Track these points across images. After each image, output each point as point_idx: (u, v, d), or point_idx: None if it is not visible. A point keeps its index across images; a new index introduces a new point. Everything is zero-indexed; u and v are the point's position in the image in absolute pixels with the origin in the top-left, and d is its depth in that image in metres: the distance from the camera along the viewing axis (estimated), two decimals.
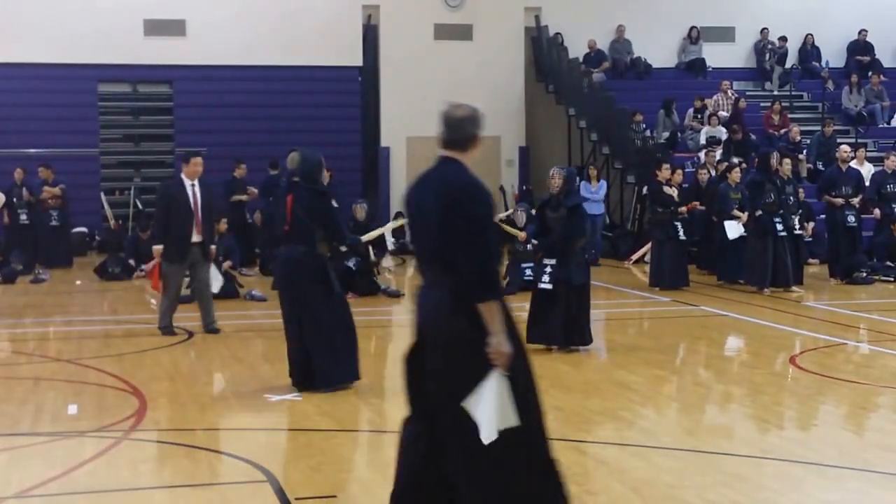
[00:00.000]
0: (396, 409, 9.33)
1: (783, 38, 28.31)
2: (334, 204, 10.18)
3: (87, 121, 25.60)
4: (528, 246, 13.85)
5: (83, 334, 13.39)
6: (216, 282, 13.32)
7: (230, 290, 16.56)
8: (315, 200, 9.77)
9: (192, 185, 12.93)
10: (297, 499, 6.66)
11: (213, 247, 13.26)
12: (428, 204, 5.42)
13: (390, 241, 24.45)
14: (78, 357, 11.79)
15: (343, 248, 10.43)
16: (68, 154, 24.57)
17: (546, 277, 11.63)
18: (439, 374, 5.30)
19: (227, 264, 16.96)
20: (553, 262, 11.60)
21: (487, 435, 5.13)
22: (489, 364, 5.16)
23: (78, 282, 19.35)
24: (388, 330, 14.91)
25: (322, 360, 9.65)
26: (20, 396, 9.79)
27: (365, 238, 12.43)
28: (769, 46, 28.26)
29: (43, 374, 10.93)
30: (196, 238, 12.88)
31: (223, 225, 17.45)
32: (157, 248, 12.97)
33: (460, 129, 5.68)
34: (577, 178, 16.06)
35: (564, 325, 11.67)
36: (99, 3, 25.42)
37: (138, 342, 12.65)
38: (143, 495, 6.97)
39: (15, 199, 21.36)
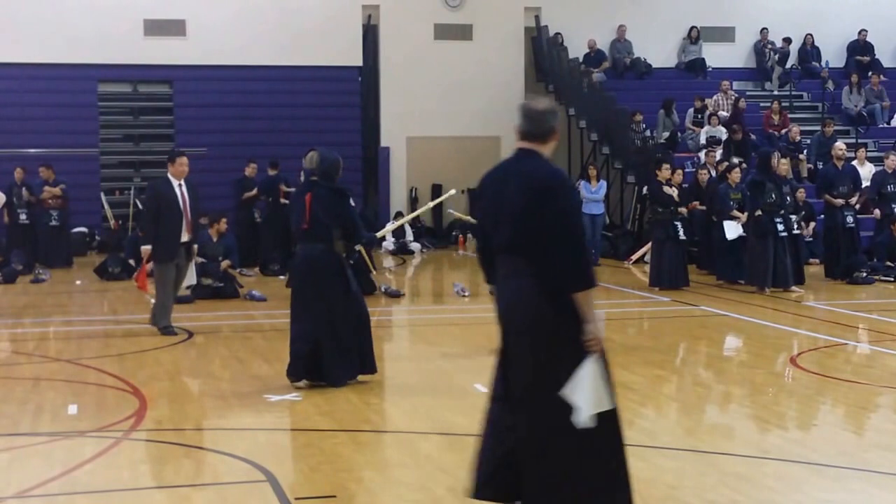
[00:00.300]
0: (396, 409, 9.37)
1: (787, 40, 28.32)
2: (352, 203, 10.34)
3: (87, 121, 25.62)
4: None
5: (83, 334, 13.39)
6: (189, 281, 13.36)
7: (230, 291, 16.56)
8: (334, 199, 9.89)
9: (180, 185, 12.98)
10: (296, 499, 6.67)
11: (195, 246, 13.35)
12: (510, 196, 5.61)
13: (390, 241, 24.46)
14: (78, 357, 11.79)
15: (358, 247, 10.61)
16: (68, 154, 24.59)
17: None
18: (523, 359, 5.49)
19: (225, 263, 16.96)
20: None
21: (585, 419, 5.31)
22: (574, 350, 5.41)
23: (78, 282, 19.34)
24: (388, 330, 14.91)
25: (333, 359, 9.76)
26: (20, 396, 9.79)
27: (379, 234, 12.52)
28: (769, 46, 28.27)
29: (43, 374, 10.94)
30: (185, 237, 12.93)
31: (223, 224, 17.42)
32: (146, 249, 12.99)
33: (542, 122, 5.91)
34: (577, 180, 16.05)
35: None
36: (99, 3, 25.44)
37: (138, 342, 12.65)
38: (144, 495, 6.98)
39: (15, 199, 21.36)
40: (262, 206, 21.87)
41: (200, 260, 16.76)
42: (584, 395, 5.34)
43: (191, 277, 13.36)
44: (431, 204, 15.48)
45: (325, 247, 9.82)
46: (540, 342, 5.47)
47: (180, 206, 12.85)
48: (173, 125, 26.47)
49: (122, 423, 8.71)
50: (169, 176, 13.05)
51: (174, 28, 25.98)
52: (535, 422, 5.45)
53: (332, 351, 9.76)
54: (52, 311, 15.81)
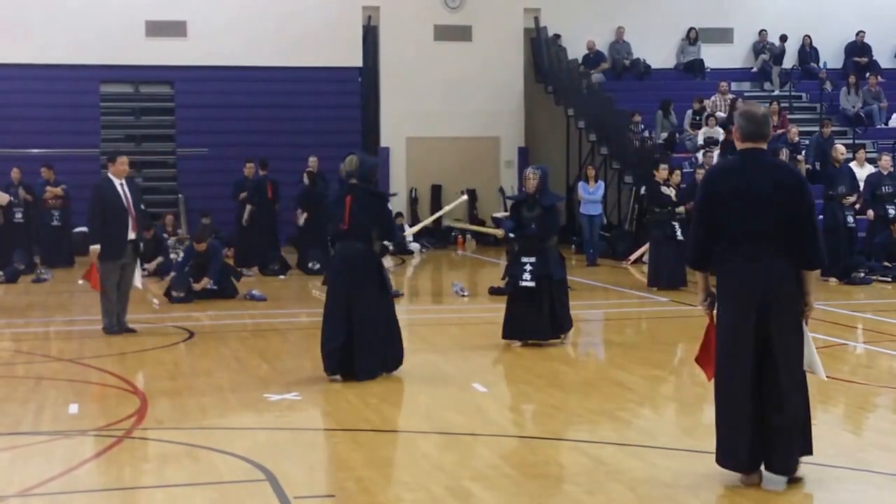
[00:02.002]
0: (395, 408, 9.42)
1: (783, 37, 28.38)
2: (389, 205, 10.80)
3: (88, 121, 25.72)
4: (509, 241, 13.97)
5: (84, 334, 13.41)
6: (139, 281, 13.42)
7: (229, 290, 16.59)
8: (373, 201, 10.33)
9: (121, 184, 13.11)
10: (296, 497, 6.70)
11: (141, 244, 13.51)
12: (766, 190, 6.59)
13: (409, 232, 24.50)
14: (79, 356, 11.83)
15: (391, 246, 10.98)
16: (70, 154, 24.64)
17: (527, 276, 11.94)
18: (783, 323, 6.58)
19: (204, 282, 16.56)
20: (532, 259, 11.94)
21: (814, 367, 6.81)
22: (802, 315, 6.68)
23: (80, 281, 19.33)
24: None
25: (366, 354, 10.12)
26: (22, 396, 9.83)
27: (407, 233, 12.75)
28: (767, 46, 28.33)
29: (44, 373, 10.98)
30: (131, 235, 13.07)
31: (206, 220, 17.32)
32: (95, 248, 13.05)
33: (766, 124, 6.81)
34: (575, 180, 16.09)
35: (550, 318, 11.97)
36: (101, 4, 25.51)
37: (139, 342, 12.69)
38: (145, 494, 7.02)
39: (12, 199, 21.39)
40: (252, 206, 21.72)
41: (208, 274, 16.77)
42: (810, 351, 6.76)
43: (138, 278, 13.42)
44: (448, 208, 15.57)
45: (364, 246, 10.22)
46: (796, 313, 6.66)
47: (124, 205, 13.01)
48: (174, 126, 26.55)
49: (123, 422, 8.74)
50: (110, 175, 13.19)
51: (175, 29, 26.05)
52: (786, 364, 6.59)
53: (365, 346, 10.11)
54: (54, 311, 15.85)
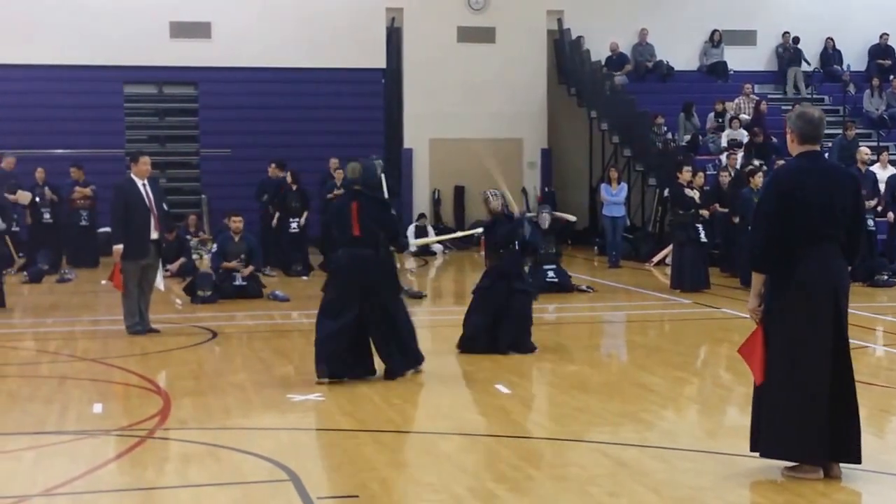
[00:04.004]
0: (417, 409, 9.43)
1: (796, 39, 28.29)
2: (393, 212, 10.95)
3: (113, 122, 25.85)
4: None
5: (108, 334, 13.47)
6: (161, 283, 13.46)
7: (254, 291, 16.65)
8: (379, 209, 10.47)
9: (144, 184, 13.18)
10: (319, 498, 6.72)
11: (163, 245, 13.61)
12: (841, 193, 6.88)
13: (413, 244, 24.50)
14: (103, 356, 11.89)
15: (393, 249, 10.99)
16: (95, 155, 24.75)
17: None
18: (845, 311, 7.03)
19: (247, 270, 16.82)
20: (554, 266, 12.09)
21: None
22: None
23: (103, 281, 19.43)
24: None
25: (392, 353, 10.33)
26: (46, 395, 9.89)
27: (414, 243, 12.85)
28: (790, 49, 28.25)
29: (69, 373, 11.04)
30: (154, 235, 13.12)
31: (239, 223, 17.34)
32: (118, 248, 13.10)
33: (822, 126, 7.04)
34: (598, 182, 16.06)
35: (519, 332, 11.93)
36: (125, 5, 25.63)
37: (163, 342, 12.74)
38: (168, 494, 7.05)
39: (38, 199, 21.51)
40: (258, 207, 21.67)
41: (250, 268, 16.82)
42: None
43: (159, 279, 13.47)
44: (459, 234, 15.55)
45: (374, 252, 10.27)
46: (848, 301, 7.09)
47: (147, 205, 13.07)
48: (198, 126, 26.65)
49: (147, 422, 8.79)
50: (132, 176, 13.25)
51: (199, 30, 26.15)
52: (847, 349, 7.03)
53: (393, 347, 10.32)
54: (78, 311, 15.93)
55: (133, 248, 13.02)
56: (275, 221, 20.95)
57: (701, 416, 9.39)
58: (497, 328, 11.72)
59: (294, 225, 20.57)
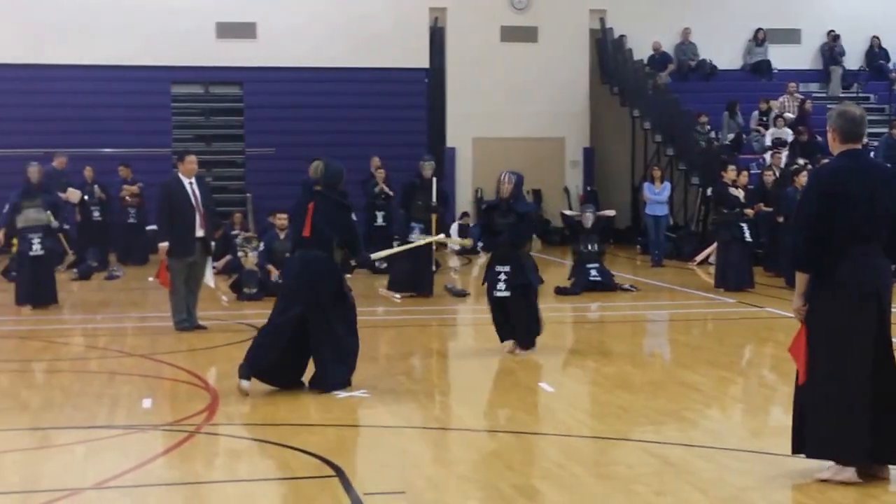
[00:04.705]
0: (462, 406, 9.48)
1: (835, 37, 28.09)
2: (353, 217, 10.23)
3: (160, 121, 26.07)
4: (479, 248, 13.25)
5: (156, 330, 13.62)
6: (210, 280, 13.55)
7: None
8: (336, 211, 9.90)
9: (190, 183, 13.29)
10: (366, 494, 6.77)
11: (212, 243, 13.62)
12: (873, 188, 6.78)
13: (456, 242, 24.54)
14: (152, 352, 12.02)
15: (353, 262, 10.51)
16: (142, 154, 24.99)
17: (501, 285, 11.46)
18: (888, 310, 6.86)
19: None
20: (506, 268, 11.46)
21: None
22: None
23: (151, 279, 19.64)
24: (453, 329, 15.09)
25: (329, 364, 9.72)
26: (96, 390, 10.02)
27: (375, 256, 12.19)
28: (835, 48, 28.08)
29: (118, 368, 11.18)
30: (199, 233, 13.21)
31: (285, 220, 17.39)
32: (163, 246, 13.24)
33: (864, 124, 6.99)
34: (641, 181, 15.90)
35: (523, 328, 11.60)
36: (172, 6, 25.85)
37: (210, 338, 12.86)
38: (216, 489, 7.13)
39: (87, 197, 21.76)
40: None
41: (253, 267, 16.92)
42: None
43: (208, 276, 13.56)
44: (413, 245, 14.81)
45: (324, 255, 9.77)
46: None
47: (192, 203, 13.17)
48: (243, 126, 26.83)
49: (195, 417, 8.89)
50: (179, 174, 13.37)
51: (245, 31, 26.33)
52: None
53: (328, 357, 9.72)
54: (126, 307, 16.11)
55: (178, 245, 13.16)
56: None
57: (746, 415, 9.38)
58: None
59: None
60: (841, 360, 6.78)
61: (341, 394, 9.69)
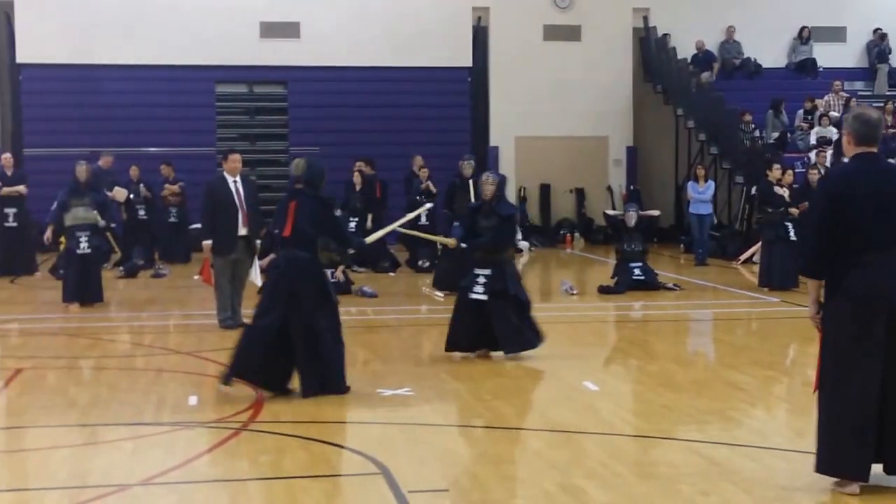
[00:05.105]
0: (505, 405, 9.49)
1: (882, 35, 27.84)
2: (337, 212, 10.07)
3: (204, 120, 26.26)
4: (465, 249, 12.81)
5: (201, 328, 13.70)
6: (257, 278, 13.60)
7: (343, 287, 16.79)
8: (319, 209, 9.74)
9: (235, 181, 13.35)
10: (410, 491, 6.80)
11: (257, 242, 13.64)
12: (887, 192, 6.52)
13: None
14: (197, 350, 12.12)
15: (351, 251, 10.29)
16: (186, 153, 25.18)
17: (479, 288, 11.13)
18: None
19: (338, 270, 16.89)
20: (487, 272, 11.13)
21: None
22: None
23: (195, 277, 19.78)
24: None
25: (306, 370, 9.53)
26: (143, 387, 10.12)
27: (369, 240, 12.00)
28: (882, 46, 27.84)
29: (164, 365, 11.29)
30: (243, 231, 13.25)
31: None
32: (207, 244, 13.35)
33: (880, 128, 6.78)
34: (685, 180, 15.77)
35: (508, 332, 11.19)
36: (217, 6, 26.05)
37: None
38: (262, 485, 7.18)
39: (133, 196, 21.94)
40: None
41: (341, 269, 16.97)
42: None
43: (257, 275, 13.59)
44: (411, 215, 14.57)
45: (308, 255, 9.62)
46: None
47: (235, 202, 13.23)
48: (287, 125, 26.98)
49: (241, 414, 8.95)
50: (224, 173, 13.45)
51: (289, 30, 26.48)
52: None
53: (306, 362, 9.52)
54: (172, 305, 16.24)
55: (221, 243, 13.26)
56: (370, 223, 20.87)
57: (791, 415, 9.34)
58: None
59: (352, 224, 20.04)
60: (847, 373, 6.54)
61: (386, 391, 9.74)
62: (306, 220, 9.61)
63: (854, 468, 6.57)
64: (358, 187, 20.53)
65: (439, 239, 14.42)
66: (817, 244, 6.64)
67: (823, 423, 6.68)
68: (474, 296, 11.15)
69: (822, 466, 6.68)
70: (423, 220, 20.25)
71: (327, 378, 9.57)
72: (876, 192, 6.52)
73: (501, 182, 11.63)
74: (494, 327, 11.18)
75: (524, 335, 11.28)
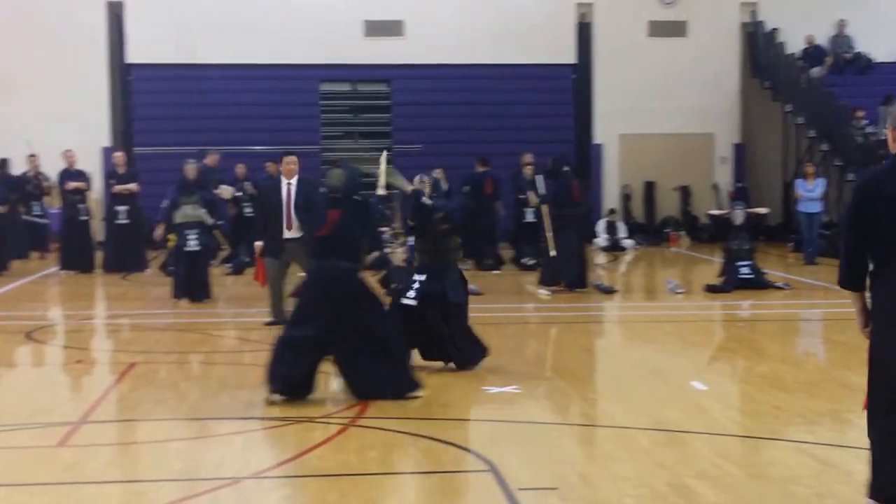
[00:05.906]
0: (612, 403, 9.44)
1: None
2: (380, 207, 10.22)
3: (309, 119, 26.55)
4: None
5: None
6: None
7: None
8: (362, 212, 9.74)
9: (289, 184, 13.30)
10: (519, 489, 6.78)
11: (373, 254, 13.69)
12: None
13: (603, 238, 24.38)
14: None
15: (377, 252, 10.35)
16: (291, 151, 25.34)
17: (411, 293, 10.54)
18: None
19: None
20: (422, 277, 10.60)
21: None
22: None
23: (301, 273, 19.96)
24: (601, 326, 15.02)
25: (388, 372, 9.41)
26: (252, 383, 10.19)
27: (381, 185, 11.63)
28: None
29: None
30: (287, 234, 13.14)
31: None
32: (258, 245, 13.47)
33: None
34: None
35: (452, 345, 10.56)
36: (321, 6, 26.32)
37: None
38: (372, 480, 7.22)
39: (239, 194, 22.23)
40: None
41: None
42: None
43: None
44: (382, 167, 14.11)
45: (352, 264, 9.51)
46: None
47: (282, 205, 13.19)
48: (390, 123, 27.14)
49: (349, 410, 9.02)
50: (281, 176, 13.52)
51: (393, 28, 26.64)
52: None
53: (386, 366, 9.41)
54: None
55: (269, 245, 13.37)
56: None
57: None
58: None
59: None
60: (879, 393, 6.16)
61: (492, 389, 9.74)
62: (353, 226, 9.54)
63: (884, 492, 6.13)
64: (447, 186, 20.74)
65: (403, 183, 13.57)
66: (847, 252, 6.09)
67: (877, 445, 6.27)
68: (404, 300, 10.56)
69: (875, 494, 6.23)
70: (529, 217, 20.25)
71: (398, 377, 9.44)
72: None
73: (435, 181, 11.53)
74: (436, 340, 10.59)
75: (454, 347, 10.59)
